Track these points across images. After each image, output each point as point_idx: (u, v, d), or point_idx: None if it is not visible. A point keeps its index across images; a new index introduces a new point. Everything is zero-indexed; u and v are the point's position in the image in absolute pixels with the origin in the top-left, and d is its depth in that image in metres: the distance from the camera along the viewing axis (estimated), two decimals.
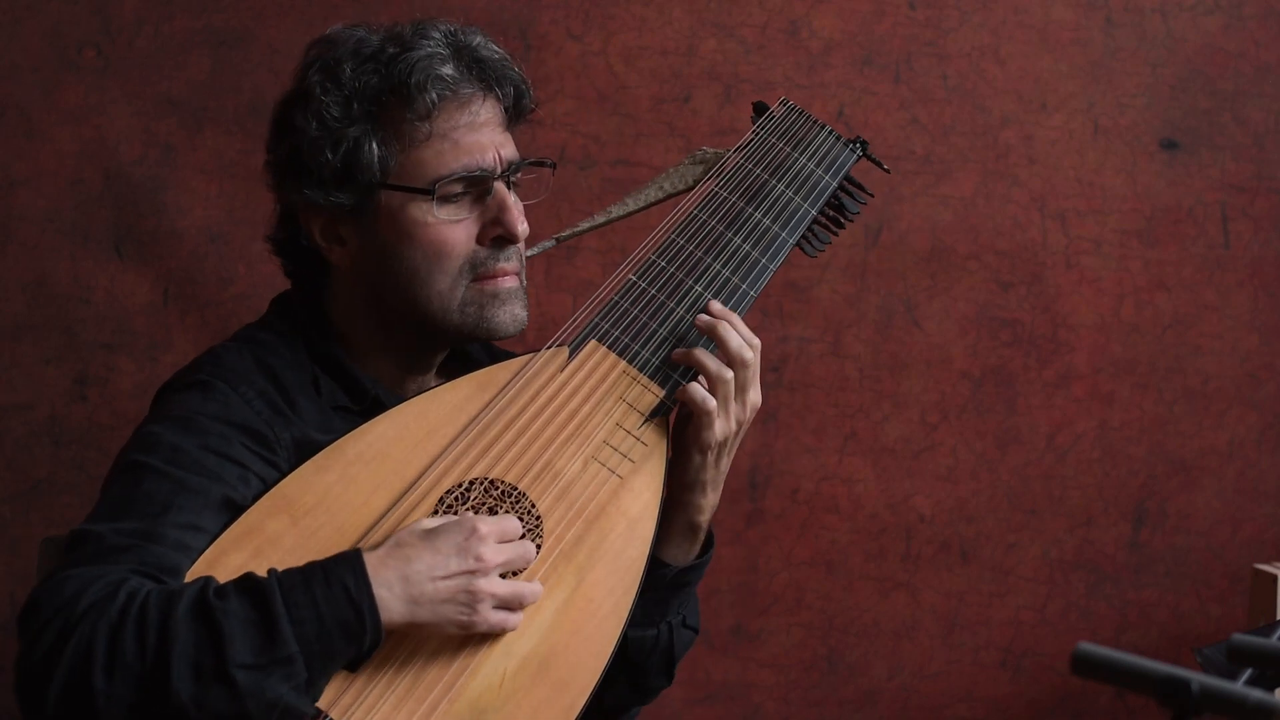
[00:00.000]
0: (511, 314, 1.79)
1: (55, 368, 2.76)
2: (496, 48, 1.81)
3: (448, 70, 1.75)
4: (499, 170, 1.78)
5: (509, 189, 1.79)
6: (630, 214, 1.92)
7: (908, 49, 2.87)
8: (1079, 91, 2.88)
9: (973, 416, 2.89)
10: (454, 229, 1.76)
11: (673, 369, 1.78)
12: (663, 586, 1.80)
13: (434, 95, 1.73)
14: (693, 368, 1.77)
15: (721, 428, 1.76)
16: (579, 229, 1.93)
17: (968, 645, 2.91)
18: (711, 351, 1.77)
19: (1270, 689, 1.27)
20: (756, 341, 1.78)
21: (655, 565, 1.79)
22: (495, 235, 1.77)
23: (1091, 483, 2.91)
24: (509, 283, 1.79)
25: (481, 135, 1.77)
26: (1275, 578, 2.57)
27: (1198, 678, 1.14)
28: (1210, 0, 2.89)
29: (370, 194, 1.75)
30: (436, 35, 1.77)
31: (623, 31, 2.83)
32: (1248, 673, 1.32)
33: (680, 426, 1.79)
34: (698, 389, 1.75)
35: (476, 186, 1.77)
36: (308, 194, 1.76)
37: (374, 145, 1.74)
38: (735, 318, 1.78)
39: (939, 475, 2.89)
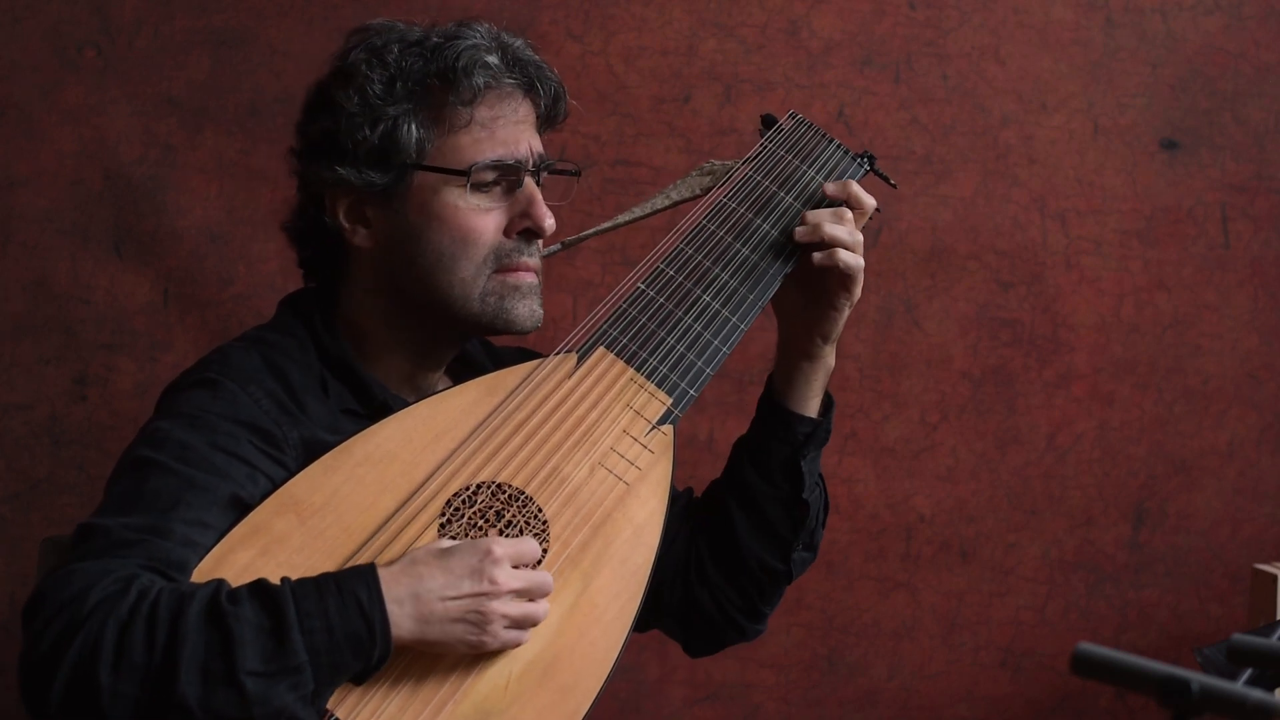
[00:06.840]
0: (530, 309, 1.81)
1: (55, 368, 2.76)
2: (535, 53, 1.84)
3: (494, 60, 1.78)
4: (531, 164, 1.80)
5: (538, 185, 1.81)
6: (636, 220, 1.92)
7: (908, 49, 2.86)
8: (1079, 91, 2.88)
9: (973, 416, 2.89)
10: (484, 217, 1.78)
11: (681, 378, 1.78)
12: (815, 442, 1.88)
13: (480, 81, 1.76)
14: (817, 238, 1.85)
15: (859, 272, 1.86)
16: (586, 234, 1.93)
17: (968, 645, 2.90)
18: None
19: (1270, 689, 1.27)
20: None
21: (803, 424, 1.87)
22: (523, 228, 1.79)
23: (1091, 483, 2.91)
24: (529, 278, 1.81)
25: (517, 130, 1.81)
26: (1275, 578, 2.57)
27: (1198, 678, 1.14)
28: (1210, 0, 2.89)
29: (404, 175, 1.77)
30: (481, 30, 1.81)
31: (623, 31, 2.83)
32: (1248, 673, 1.32)
33: (816, 294, 1.86)
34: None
35: (509, 177, 1.79)
36: (340, 171, 1.78)
37: (413, 126, 1.77)
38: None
39: (939, 475, 2.89)
